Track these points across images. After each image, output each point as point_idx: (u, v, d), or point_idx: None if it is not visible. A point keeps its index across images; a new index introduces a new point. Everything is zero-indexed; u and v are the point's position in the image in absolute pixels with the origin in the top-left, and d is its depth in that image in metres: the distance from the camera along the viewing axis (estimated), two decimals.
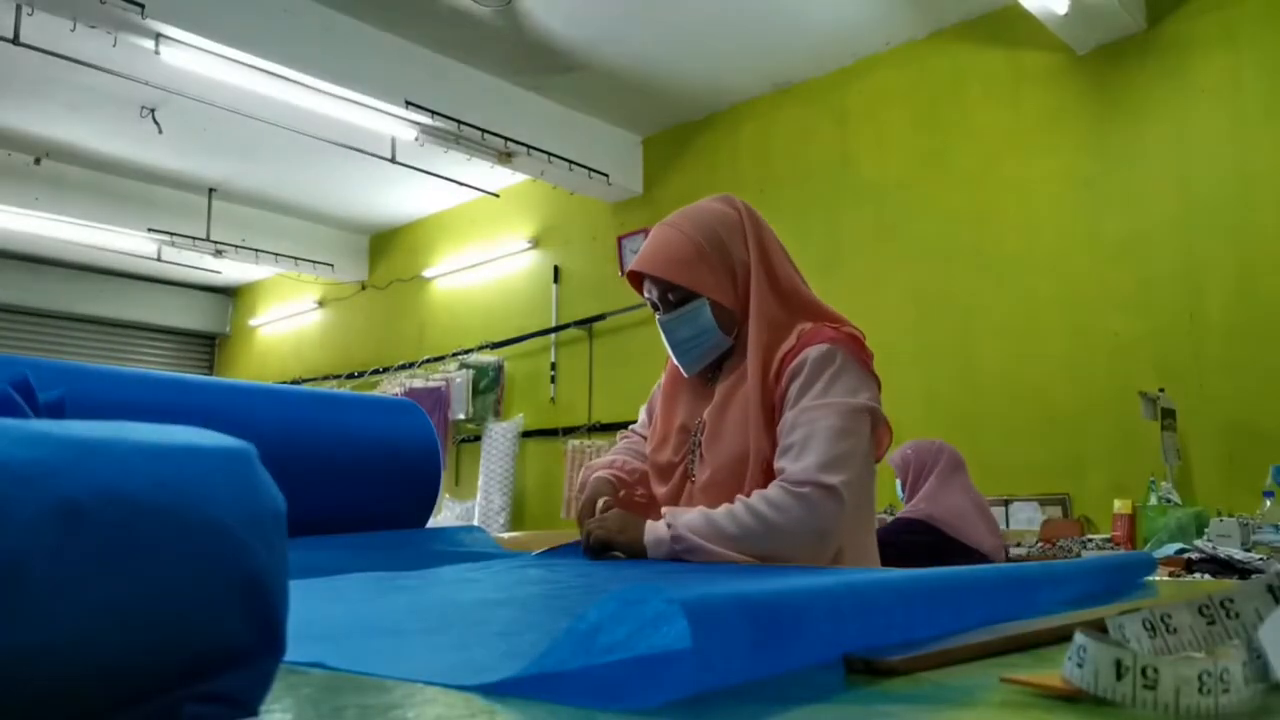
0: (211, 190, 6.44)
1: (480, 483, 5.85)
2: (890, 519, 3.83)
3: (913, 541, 2.79)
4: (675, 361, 1.48)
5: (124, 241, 6.47)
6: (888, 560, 2.73)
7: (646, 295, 1.48)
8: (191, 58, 3.89)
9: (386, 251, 7.23)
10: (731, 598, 0.42)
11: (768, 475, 1.34)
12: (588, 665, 0.39)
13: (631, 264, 1.47)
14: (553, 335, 5.73)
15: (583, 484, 1.52)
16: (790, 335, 1.41)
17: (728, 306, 1.43)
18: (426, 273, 6.73)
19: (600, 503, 1.41)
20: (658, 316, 1.46)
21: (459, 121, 4.54)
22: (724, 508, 1.28)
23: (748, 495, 1.32)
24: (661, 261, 1.43)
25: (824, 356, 1.34)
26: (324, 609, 0.74)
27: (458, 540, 1.45)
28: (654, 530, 1.28)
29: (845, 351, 1.36)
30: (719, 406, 1.43)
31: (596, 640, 0.39)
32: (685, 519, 1.27)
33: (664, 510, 1.31)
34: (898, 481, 3.05)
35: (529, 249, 5.98)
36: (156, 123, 5.26)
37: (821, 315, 1.46)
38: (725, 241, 1.45)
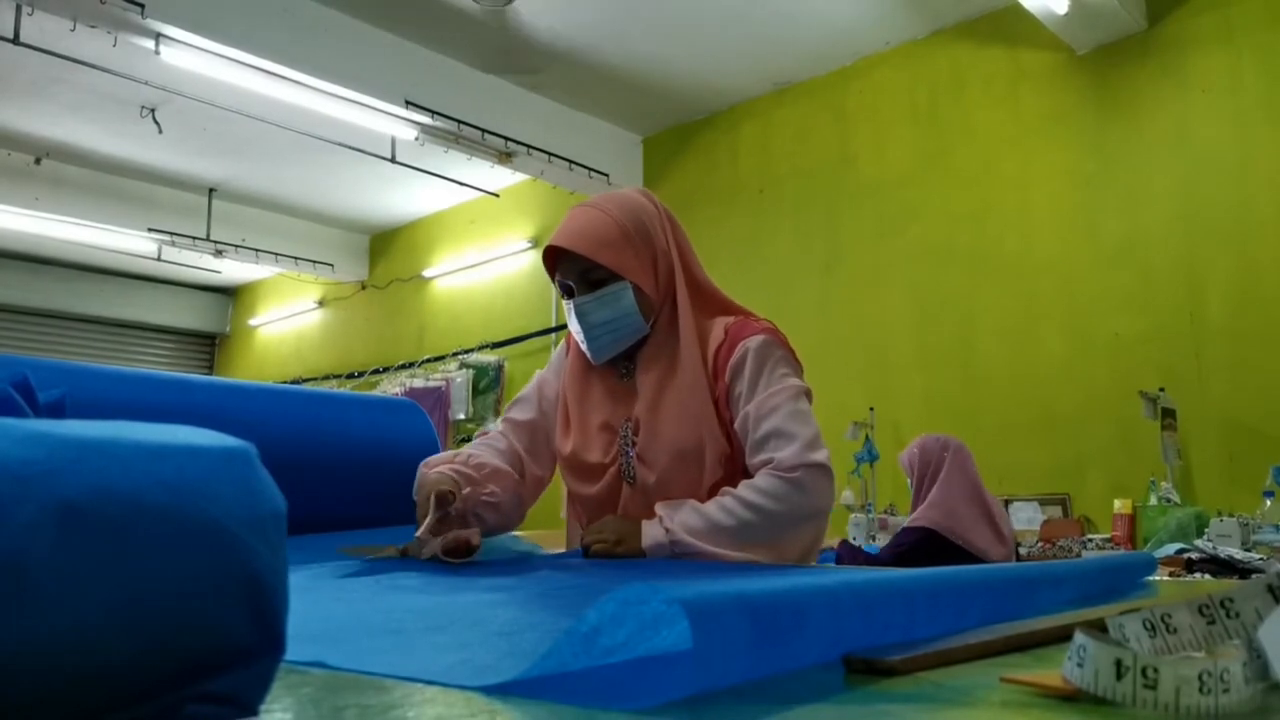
0: (211, 190, 6.44)
1: None
2: (892, 518, 3.83)
3: (918, 549, 2.78)
4: (585, 347, 1.39)
5: (124, 241, 6.47)
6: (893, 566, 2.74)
7: (560, 278, 1.40)
8: (191, 58, 3.89)
9: (386, 251, 7.23)
10: (732, 597, 0.42)
11: (726, 468, 1.34)
12: (589, 666, 0.39)
13: (551, 239, 1.38)
14: (553, 335, 5.73)
15: (421, 482, 1.34)
16: (714, 328, 1.41)
17: (648, 295, 1.38)
18: (426, 272, 6.73)
19: (433, 498, 1.25)
20: (572, 300, 1.38)
21: (459, 121, 4.54)
22: (716, 503, 1.27)
23: (706, 491, 1.31)
24: (586, 240, 1.36)
25: (763, 347, 1.36)
26: (324, 609, 0.74)
27: None
28: (651, 534, 1.27)
29: (777, 341, 1.38)
30: (651, 404, 1.37)
31: (597, 642, 0.39)
32: (681, 519, 1.27)
33: (658, 509, 1.29)
34: (909, 481, 3.02)
35: (529, 249, 5.98)
36: (156, 123, 5.25)
37: (734, 310, 1.47)
38: (648, 229, 1.40)
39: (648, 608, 0.39)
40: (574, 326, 1.39)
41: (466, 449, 1.43)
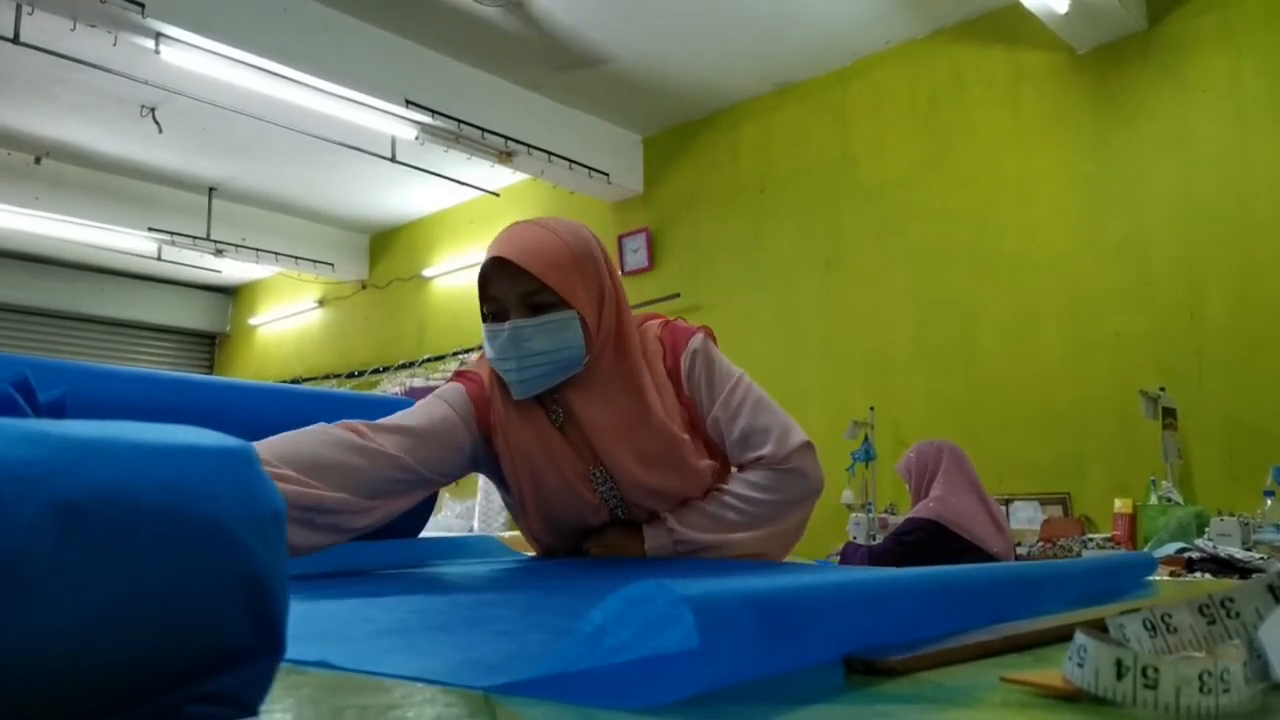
0: (212, 189, 6.44)
1: (480, 482, 5.84)
2: (892, 517, 3.83)
3: (920, 541, 2.80)
4: (510, 377, 1.23)
5: (124, 241, 6.47)
6: (895, 559, 2.75)
7: (492, 294, 1.24)
8: (192, 57, 3.89)
9: (387, 251, 7.23)
10: (738, 595, 0.42)
11: (717, 475, 1.34)
12: (594, 666, 0.39)
13: (498, 249, 1.21)
14: None
15: None
16: (647, 340, 1.35)
17: (590, 330, 1.24)
18: (427, 272, 6.73)
19: None
20: (505, 324, 1.22)
21: (459, 121, 4.54)
22: (718, 501, 1.29)
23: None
24: (536, 258, 1.20)
25: (703, 348, 1.36)
26: (325, 608, 0.74)
27: (472, 551, 1.43)
28: (655, 537, 1.28)
29: (708, 335, 1.39)
30: (626, 456, 1.25)
31: (602, 642, 0.39)
32: (687, 518, 1.28)
33: (661, 513, 1.30)
34: (908, 487, 3.07)
35: None
36: (157, 122, 5.25)
37: (642, 319, 1.44)
38: (597, 261, 1.28)
39: (653, 607, 0.39)
40: (500, 352, 1.22)
41: (295, 436, 1.12)
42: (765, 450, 1.30)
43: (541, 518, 1.31)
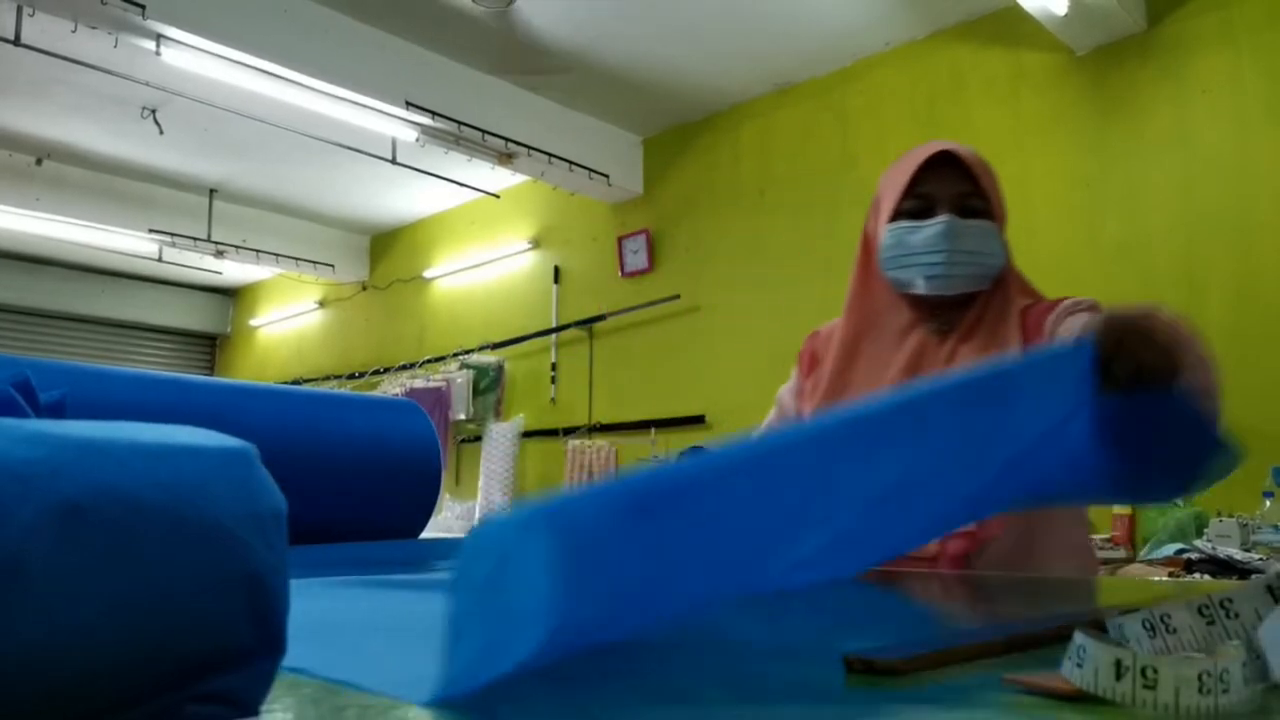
0: (212, 191, 6.44)
1: (481, 483, 5.85)
2: None
3: None
4: (931, 270, 1.21)
5: (125, 242, 6.47)
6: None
7: (922, 190, 1.25)
8: (192, 58, 3.90)
9: (387, 252, 7.23)
10: (598, 496, 0.39)
11: None
12: (530, 648, 0.38)
13: (943, 145, 1.26)
14: (553, 336, 5.73)
15: None
16: (1024, 302, 1.30)
17: (1003, 250, 1.25)
18: (427, 273, 6.74)
19: None
20: (935, 219, 1.22)
21: (459, 122, 4.55)
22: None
23: None
24: (980, 166, 1.25)
25: (1091, 302, 1.26)
26: (326, 608, 0.74)
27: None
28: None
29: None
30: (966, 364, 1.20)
31: (492, 623, 0.38)
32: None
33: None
34: None
35: (529, 249, 5.98)
36: (157, 123, 5.26)
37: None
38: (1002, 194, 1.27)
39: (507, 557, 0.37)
40: (929, 244, 1.22)
41: None
42: None
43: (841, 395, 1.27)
